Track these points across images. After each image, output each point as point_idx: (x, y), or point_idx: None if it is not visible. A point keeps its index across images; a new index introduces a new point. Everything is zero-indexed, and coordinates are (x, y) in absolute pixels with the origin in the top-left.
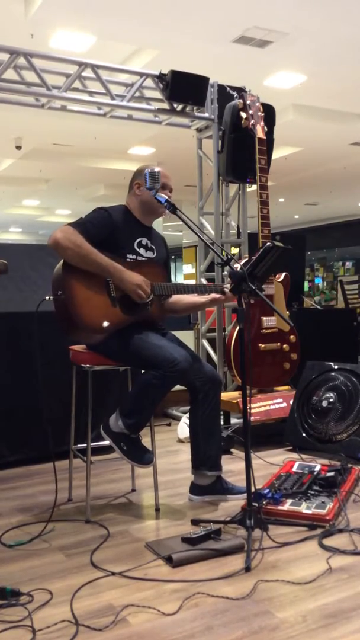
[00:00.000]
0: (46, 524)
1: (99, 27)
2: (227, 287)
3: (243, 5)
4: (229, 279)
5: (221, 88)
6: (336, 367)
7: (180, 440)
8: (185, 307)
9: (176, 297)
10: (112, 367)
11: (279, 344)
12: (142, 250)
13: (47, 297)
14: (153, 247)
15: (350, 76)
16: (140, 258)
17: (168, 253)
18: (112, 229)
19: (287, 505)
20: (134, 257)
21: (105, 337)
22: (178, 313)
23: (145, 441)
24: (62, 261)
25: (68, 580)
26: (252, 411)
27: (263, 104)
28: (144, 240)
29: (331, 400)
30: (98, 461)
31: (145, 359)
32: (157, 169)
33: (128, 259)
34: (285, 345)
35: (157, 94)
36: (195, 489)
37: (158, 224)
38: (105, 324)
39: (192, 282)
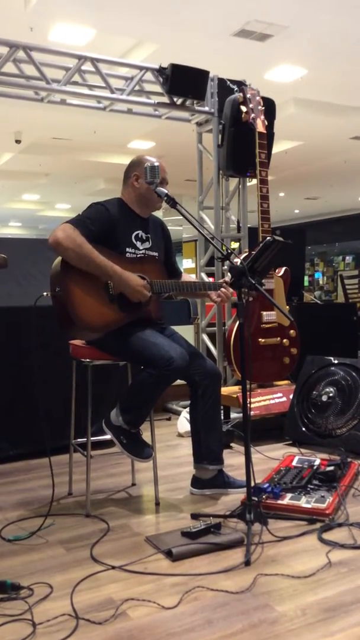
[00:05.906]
0: (45, 518)
1: (99, 20)
2: (225, 280)
3: None
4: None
5: (221, 82)
6: (336, 361)
7: (180, 435)
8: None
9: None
10: (112, 361)
11: (278, 338)
12: (138, 243)
13: (45, 294)
14: (149, 236)
15: (351, 70)
16: (138, 252)
17: (168, 236)
18: (110, 223)
19: (287, 500)
20: (133, 251)
21: (103, 334)
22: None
23: (145, 435)
24: (59, 258)
25: (68, 574)
26: (252, 406)
27: (263, 98)
28: (141, 233)
29: (331, 394)
30: (98, 455)
31: (141, 357)
32: (156, 163)
33: (128, 254)
34: (285, 340)
35: (157, 88)
36: (196, 482)
37: None
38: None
39: (192, 276)
